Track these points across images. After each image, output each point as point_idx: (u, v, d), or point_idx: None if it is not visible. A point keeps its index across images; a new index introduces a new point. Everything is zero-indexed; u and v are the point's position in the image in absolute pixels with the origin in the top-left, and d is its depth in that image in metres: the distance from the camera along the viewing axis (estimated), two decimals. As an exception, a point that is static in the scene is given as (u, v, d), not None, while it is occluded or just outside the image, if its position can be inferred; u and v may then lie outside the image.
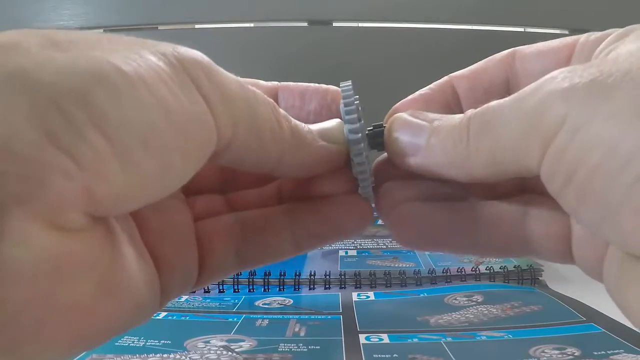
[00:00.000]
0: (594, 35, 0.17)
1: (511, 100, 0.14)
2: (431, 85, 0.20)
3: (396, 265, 0.46)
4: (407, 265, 0.46)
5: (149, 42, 0.13)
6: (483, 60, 0.20)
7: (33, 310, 0.10)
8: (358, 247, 0.52)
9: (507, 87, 0.19)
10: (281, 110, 0.16)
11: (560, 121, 0.12)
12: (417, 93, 0.20)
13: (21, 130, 0.10)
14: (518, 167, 0.14)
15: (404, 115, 0.18)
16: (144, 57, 0.12)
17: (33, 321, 0.10)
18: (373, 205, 0.19)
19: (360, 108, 0.18)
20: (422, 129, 0.17)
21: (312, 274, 0.43)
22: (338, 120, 0.18)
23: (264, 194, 0.20)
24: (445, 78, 0.20)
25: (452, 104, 0.20)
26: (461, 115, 0.16)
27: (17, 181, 0.09)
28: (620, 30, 0.15)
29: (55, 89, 0.10)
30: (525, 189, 0.19)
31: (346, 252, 0.50)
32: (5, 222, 0.10)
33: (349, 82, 0.18)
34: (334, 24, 0.61)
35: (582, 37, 0.17)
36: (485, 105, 0.15)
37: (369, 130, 0.19)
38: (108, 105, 0.10)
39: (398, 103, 0.20)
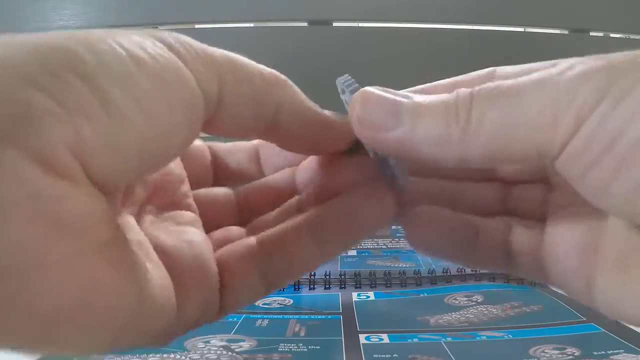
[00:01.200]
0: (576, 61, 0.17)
1: (532, 77, 0.14)
2: None
3: (396, 265, 0.46)
4: (407, 265, 0.46)
5: None
6: (463, 75, 0.19)
7: (36, 250, 0.10)
8: (358, 247, 0.52)
9: None
10: None
11: (602, 92, 0.12)
12: None
13: (4, 78, 0.10)
14: (527, 145, 0.13)
15: (373, 88, 0.15)
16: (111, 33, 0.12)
17: (37, 262, 0.10)
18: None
19: None
20: (401, 100, 0.15)
21: (312, 274, 0.43)
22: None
23: (285, 211, 0.20)
24: (426, 85, 0.20)
25: None
26: (451, 94, 0.15)
27: (5, 120, 0.10)
28: None
29: (30, 51, 0.11)
30: (508, 210, 0.19)
31: (346, 252, 0.50)
32: None
33: (346, 75, 0.18)
34: (334, 24, 0.61)
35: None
36: (493, 82, 0.14)
37: None
38: (82, 56, 0.11)
39: None
